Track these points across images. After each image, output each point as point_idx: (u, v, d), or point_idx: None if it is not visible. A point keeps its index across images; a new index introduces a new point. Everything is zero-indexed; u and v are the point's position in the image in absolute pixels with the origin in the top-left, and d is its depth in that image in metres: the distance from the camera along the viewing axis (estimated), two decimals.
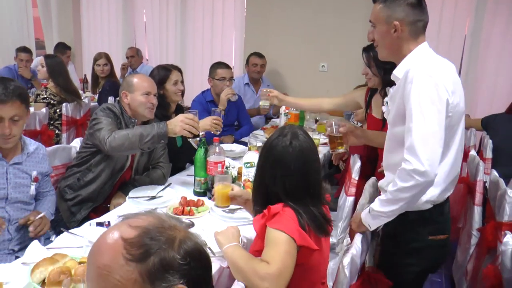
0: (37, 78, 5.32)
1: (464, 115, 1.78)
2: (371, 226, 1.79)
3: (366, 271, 1.85)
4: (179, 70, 3.13)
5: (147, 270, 0.86)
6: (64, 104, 4.06)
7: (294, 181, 1.59)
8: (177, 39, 5.75)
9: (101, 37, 6.22)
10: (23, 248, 1.99)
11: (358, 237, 1.77)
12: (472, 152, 3.02)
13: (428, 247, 1.83)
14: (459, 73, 4.29)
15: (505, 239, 1.91)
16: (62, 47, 5.96)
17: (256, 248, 1.63)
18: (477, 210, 2.68)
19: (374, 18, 1.79)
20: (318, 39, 4.94)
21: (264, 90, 3.04)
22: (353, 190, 2.46)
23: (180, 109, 3.12)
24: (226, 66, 3.79)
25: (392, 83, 1.95)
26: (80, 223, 2.34)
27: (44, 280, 1.56)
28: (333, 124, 2.30)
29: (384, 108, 2.04)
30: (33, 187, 2.15)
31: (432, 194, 1.75)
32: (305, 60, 5.07)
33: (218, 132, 2.56)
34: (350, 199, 2.46)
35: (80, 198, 2.50)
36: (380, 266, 1.93)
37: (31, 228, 2.01)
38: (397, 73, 1.77)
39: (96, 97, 5.04)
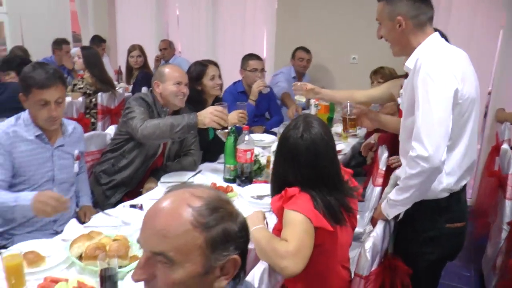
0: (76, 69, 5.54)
1: (477, 103, 1.77)
2: (389, 215, 1.83)
3: (387, 258, 1.87)
4: (216, 65, 3.13)
5: (212, 238, 0.92)
6: (99, 94, 4.19)
7: (307, 173, 1.63)
8: (208, 32, 5.81)
9: (135, 30, 6.32)
10: None
11: (380, 224, 1.80)
12: (505, 146, 2.97)
13: (445, 235, 1.84)
14: (494, 66, 4.21)
15: None
16: (97, 40, 6.15)
17: (277, 228, 1.69)
18: (508, 204, 2.64)
19: (379, 16, 1.85)
20: (348, 31, 4.90)
21: (298, 84, 2.91)
22: (380, 180, 2.47)
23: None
24: (258, 58, 3.84)
25: None
26: (113, 206, 2.43)
27: (81, 254, 1.65)
28: (348, 106, 2.35)
29: (399, 100, 2.11)
30: (76, 165, 2.25)
31: (448, 182, 1.77)
32: (335, 52, 5.05)
33: (244, 125, 2.55)
34: (377, 189, 2.47)
35: (114, 182, 2.60)
36: (397, 253, 1.95)
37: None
38: (409, 64, 1.79)
39: (130, 87, 5.17)
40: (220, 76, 3.11)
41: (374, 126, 2.46)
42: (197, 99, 2.85)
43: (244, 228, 0.98)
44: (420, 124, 1.63)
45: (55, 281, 1.50)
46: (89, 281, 1.51)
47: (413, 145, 1.64)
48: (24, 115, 2.09)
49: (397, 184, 1.81)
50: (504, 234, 2.63)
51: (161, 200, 0.97)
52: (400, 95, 2.10)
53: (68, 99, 4.18)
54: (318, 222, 1.56)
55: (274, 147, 2.60)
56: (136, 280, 0.95)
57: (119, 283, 1.52)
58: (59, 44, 5.65)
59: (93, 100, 4.22)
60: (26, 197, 1.82)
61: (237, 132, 2.55)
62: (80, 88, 4.18)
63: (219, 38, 5.80)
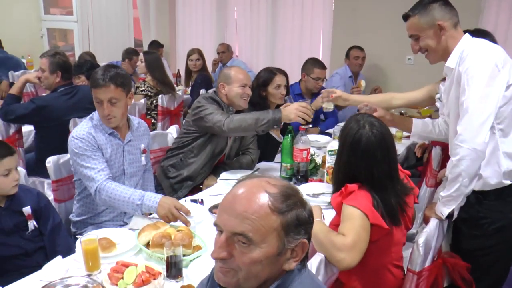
0: (137, 73, 5.81)
1: None
2: (443, 213, 1.85)
3: (441, 255, 1.87)
4: (285, 75, 3.15)
5: (286, 222, 1.02)
6: (160, 96, 4.39)
7: (382, 168, 1.68)
8: (267, 35, 5.94)
9: (195, 34, 6.58)
10: None
11: (433, 221, 1.82)
12: None
13: None
14: None
15: None
16: (156, 45, 6.40)
17: (334, 223, 1.73)
18: None
19: (415, 29, 1.95)
20: (404, 31, 4.82)
21: (326, 91, 2.72)
22: (433, 181, 2.45)
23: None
24: (323, 67, 3.92)
25: None
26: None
27: (148, 242, 1.78)
28: (367, 107, 2.34)
29: (438, 104, 2.17)
30: (143, 158, 2.39)
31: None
32: (391, 53, 5.02)
33: (307, 124, 2.51)
34: (430, 190, 2.45)
35: (182, 176, 2.72)
36: (456, 252, 1.94)
37: None
38: (450, 63, 1.88)
39: (189, 90, 5.37)
40: (286, 86, 3.11)
41: (389, 125, 2.43)
42: (259, 104, 2.94)
43: (311, 215, 1.06)
44: (464, 108, 1.72)
45: (126, 265, 1.62)
46: (155, 267, 1.62)
47: (459, 133, 1.72)
48: (95, 115, 2.25)
49: None
50: None
51: (238, 187, 1.07)
52: (437, 100, 2.17)
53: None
54: (374, 219, 1.60)
55: (330, 147, 2.64)
56: (216, 258, 1.05)
57: (183, 270, 1.63)
58: (129, 54, 5.90)
59: (154, 102, 4.42)
60: (152, 199, 1.98)
61: (294, 132, 2.60)
62: (142, 91, 4.39)
63: (277, 40, 5.91)
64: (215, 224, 1.07)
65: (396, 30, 4.94)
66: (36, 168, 3.25)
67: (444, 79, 2.14)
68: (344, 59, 4.94)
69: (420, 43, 1.96)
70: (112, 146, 2.22)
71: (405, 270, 1.78)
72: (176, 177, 2.72)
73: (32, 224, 1.92)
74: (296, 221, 1.03)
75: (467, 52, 1.77)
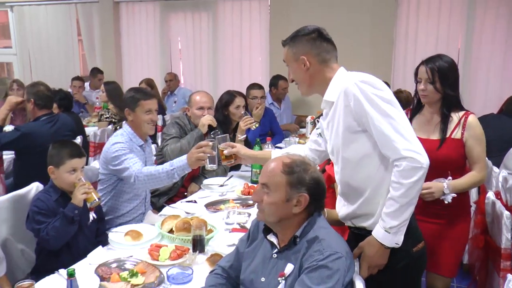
0: (89, 103, 6.14)
1: None
2: (398, 243, 1.70)
3: None
4: (243, 97, 3.76)
5: (290, 180, 1.60)
6: (124, 123, 4.79)
7: None
8: (210, 63, 6.51)
9: (140, 64, 6.97)
10: None
11: None
12: None
13: None
14: None
15: None
16: (96, 71, 6.74)
17: None
18: None
19: (286, 59, 1.90)
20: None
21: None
22: None
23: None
24: (259, 87, 4.54)
25: (451, 101, 2.25)
26: (159, 209, 3.00)
27: (171, 229, 2.27)
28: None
29: (320, 140, 2.11)
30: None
31: None
32: None
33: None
34: None
35: (158, 192, 3.21)
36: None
37: None
38: (329, 97, 1.80)
39: None
40: (244, 107, 3.70)
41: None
42: (224, 121, 3.54)
43: (313, 178, 1.62)
44: (391, 134, 1.63)
45: (159, 246, 2.10)
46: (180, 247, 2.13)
47: (399, 156, 1.62)
48: (126, 129, 2.76)
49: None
50: None
51: (270, 160, 1.69)
52: (317, 136, 2.14)
53: (94, 128, 4.81)
54: None
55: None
56: (255, 201, 1.69)
57: None
58: (71, 80, 6.23)
59: (118, 127, 4.82)
60: (180, 159, 2.47)
61: (262, 142, 3.23)
62: (106, 118, 4.80)
63: (219, 68, 6.49)
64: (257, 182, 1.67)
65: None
66: None
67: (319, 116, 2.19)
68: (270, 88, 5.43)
69: (291, 73, 1.92)
70: (141, 157, 2.72)
71: None
72: (154, 192, 3.19)
73: (91, 215, 2.35)
74: (297, 181, 1.58)
75: (352, 90, 1.68)
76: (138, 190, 2.71)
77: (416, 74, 2.34)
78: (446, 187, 2.22)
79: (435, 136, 2.29)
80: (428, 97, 2.28)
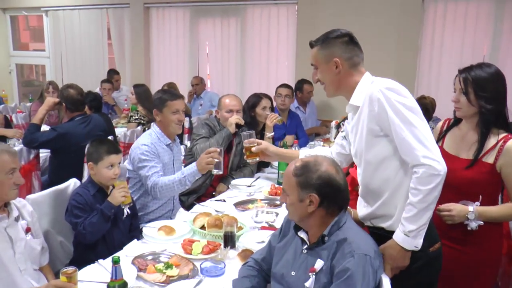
0: (118, 105, 6.32)
1: None
2: (418, 245, 1.74)
3: None
4: (270, 98, 3.91)
5: (299, 181, 1.67)
6: (152, 123, 4.93)
7: None
8: (237, 68, 6.61)
9: (169, 69, 7.12)
10: None
11: None
12: None
13: None
14: None
15: None
16: (112, 72, 6.86)
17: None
18: None
19: (314, 60, 1.92)
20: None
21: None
22: None
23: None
24: (286, 86, 4.73)
25: (489, 117, 1.99)
26: (187, 207, 3.09)
27: (202, 226, 2.36)
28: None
29: (345, 143, 2.13)
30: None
31: None
32: None
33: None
34: None
35: (187, 191, 3.30)
36: None
37: None
38: (355, 101, 1.85)
39: None
40: (271, 108, 3.84)
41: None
42: (251, 122, 3.64)
43: (321, 178, 1.65)
44: (412, 141, 1.67)
45: (192, 241, 2.19)
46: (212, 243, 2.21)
47: (418, 162, 1.66)
48: (155, 129, 2.88)
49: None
50: None
51: (290, 163, 1.75)
52: (342, 138, 2.16)
53: (123, 129, 4.96)
54: None
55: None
56: (282, 201, 1.78)
57: None
58: (100, 83, 6.43)
59: (146, 128, 4.95)
60: (189, 167, 2.60)
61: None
62: (136, 119, 4.94)
63: (247, 72, 6.57)
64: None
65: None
66: None
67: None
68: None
69: (318, 75, 1.94)
70: (169, 155, 2.85)
71: None
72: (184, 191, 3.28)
73: (126, 210, 2.46)
74: (305, 181, 1.64)
75: (377, 95, 1.73)
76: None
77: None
78: (471, 211, 1.99)
79: (465, 155, 2.08)
80: (462, 110, 2.06)
